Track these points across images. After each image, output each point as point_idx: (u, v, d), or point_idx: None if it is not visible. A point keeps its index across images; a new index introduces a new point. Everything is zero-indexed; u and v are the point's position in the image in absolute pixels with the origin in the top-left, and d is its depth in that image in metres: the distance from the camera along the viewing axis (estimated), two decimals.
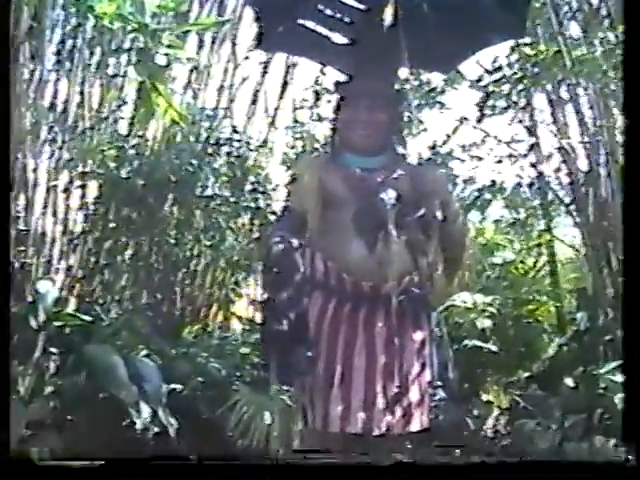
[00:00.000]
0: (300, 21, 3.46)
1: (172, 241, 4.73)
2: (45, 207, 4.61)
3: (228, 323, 4.97)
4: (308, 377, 3.24)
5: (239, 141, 4.79)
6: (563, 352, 4.21)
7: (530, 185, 4.76)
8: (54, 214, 4.61)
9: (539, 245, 4.78)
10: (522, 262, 4.69)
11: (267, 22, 3.41)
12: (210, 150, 4.63)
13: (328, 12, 3.45)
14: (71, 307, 4.35)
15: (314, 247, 3.28)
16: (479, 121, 4.51)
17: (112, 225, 4.68)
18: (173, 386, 3.84)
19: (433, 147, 4.90)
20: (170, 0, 4.17)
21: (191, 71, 5.01)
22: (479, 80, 4.46)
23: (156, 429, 3.70)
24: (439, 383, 3.33)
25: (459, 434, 3.74)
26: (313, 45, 3.49)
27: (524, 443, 3.50)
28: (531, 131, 4.63)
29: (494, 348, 4.20)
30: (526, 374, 4.19)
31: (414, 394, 3.26)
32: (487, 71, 4.58)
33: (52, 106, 4.70)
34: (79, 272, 4.53)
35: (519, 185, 4.79)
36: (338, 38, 3.46)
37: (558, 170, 4.58)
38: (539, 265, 4.71)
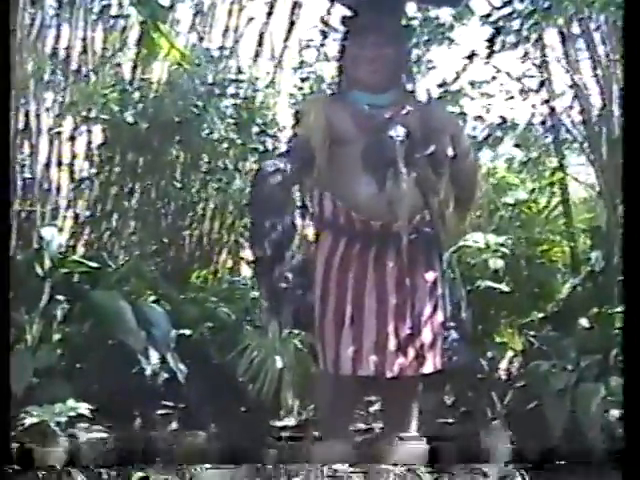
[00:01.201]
0: None
1: (178, 185, 4.66)
2: (50, 154, 4.56)
3: (237, 267, 4.91)
4: (318, 319, 3.20)
5: (245, 82, 4.70)
6: (577, 292, 4.13)
7: (542, 123, 4.65)
8: (59, 160, 4.56)
9: (552, 184, 4.68)
10: (535, 202, 4.58)
11: None
12: (216, 91, 4.53)
13: None
14: (78, 254, 4.32)
15: (322, 186, 3.23)
16: (489, 57, 4.38)
17: (117, 170, 4.62)
18: (182, 331, 3.79)
19: (442, 84, 4.79)
20: None
21: (195, 13, 4.92)
22: (489, 15, 4.32)
23: (166, 375, 3.68)
24: (452, 324, 3.29)
25: (472, 376, 3.69)
26: None
27: (539, 384, 3.45)
28: (542, 67, 4.51)
29: (507, 289, 4.12)
30: (540, 315, 4.11)
31: (426, 335, 3.23)
32: (496, 7, 4.44)
33: (54, 51, 4.63)
34: (85, 218, 4.48)
35: (531, 123, 4.68)
36: None
37: (571, 107, 4.47)
38: (552, 204, 4.61)
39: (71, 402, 3.18)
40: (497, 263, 4.17)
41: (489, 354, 3.81)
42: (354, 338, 3.16)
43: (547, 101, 4.55)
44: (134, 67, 4.62)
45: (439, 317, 3.26)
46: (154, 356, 3.63)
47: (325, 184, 3.21)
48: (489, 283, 4.16)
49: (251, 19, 5.00)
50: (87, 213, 4.57)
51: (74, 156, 4.73)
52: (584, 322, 3.84)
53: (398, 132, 3.17)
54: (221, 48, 4.78)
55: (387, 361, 3.16)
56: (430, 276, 3.28)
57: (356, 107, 3.25)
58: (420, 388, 3.32)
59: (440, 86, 4.81)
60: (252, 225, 3.28)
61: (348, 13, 3.34)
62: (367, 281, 3.20)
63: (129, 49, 4.50)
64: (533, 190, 4.66)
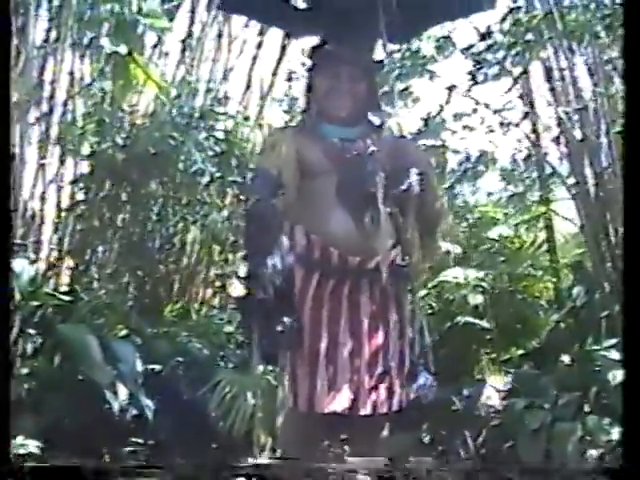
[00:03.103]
0: None
1: (155, 218, 4.59)
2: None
3: (213, 301, 4.83)
4: (291, 355, 3.12)
5: (225, 114, 4.65)
6: (559, 328, 4.07)
7: (526, 156, 4.61)
8: (33, 190, 4.49)
9: (535, 218, 4.63)
10: (518, 237, 4.53)
11: None
12: (195, 123, 4.47)
13: None
14: (50, 286, 4.23)
15: (294, 220, 3.16)
16: (471, 90, 4.35)
17: (95, 201, 4.55)
18: (151, 366, 3.71)
19: (426, 119, 4.75)
20: None
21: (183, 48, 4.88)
22: (470, 47, 4.29)
23: (135, 411, 3.59)
24: (422, 361, 3.21)
25: (446, 413, 3.60)
26: (275, 10, 3.35)
27: (514, 423, 3.36)
28: (526, 100, 4.46)
29: (487, 325, 4.06)
30: (520, 351, 4.04)
31: (399, 372, 3.15)
32: (480, 37, 4.41)
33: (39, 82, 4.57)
34: (58, 250, 4.40)
35: (514, 156, 4.63)
36: (300, 3, 3.32)
37: (555, 140, 4.42)
38: (535, 239, 4.56)
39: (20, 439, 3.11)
40: (477, 298, 4.11)
41: (465, 392, 3.71)
42: (327, 375, 3.08)
43: (530, 135, 4.50)
44: (112, 98, 4.55)
45: (411, 354, 3.18)
46: (122, 392, 3.55)
47: (296, 217, 3.14)
48: (469, 319, 4.10)
49: (236, 53, 4.96)
50: (64, 245, 4.48)
51: (59, 188, 4.66)
52: (565, 359, 3.76)
53: (376, 167, 3.11)
54: (204, 80, 4.73)
55: (360, 398, 3.08)
56: (402, 312, 3.20)
57: (326, 140, 3.20)
58: (392, 426, 3.23)
59: (424, 120, 4.79)
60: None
61: (316, 44, 3.30)
62: (341, 318, 3.13)
63: (106, 80, 4.43)
64: (516, 224, 4.60)
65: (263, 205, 3.04)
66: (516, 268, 4.48)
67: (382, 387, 3.11)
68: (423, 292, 4.13)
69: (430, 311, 4.14)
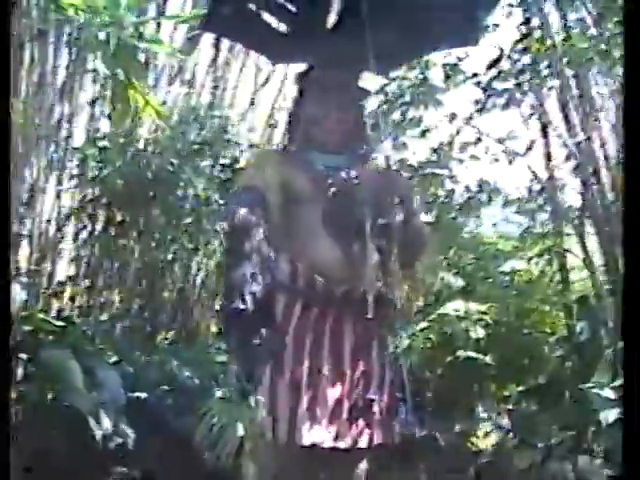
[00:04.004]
0: (250, 6, 3.25)
1: (153, 244, 4.54)
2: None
3: (207, 330, 4.76)
4: (271, 384, 3.04)
5: (228, 142, 4.59)
6: (561, 365, 3.94)
7: (535, 188, 4.49)
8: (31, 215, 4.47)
9: (546, 251, 4.50)
10: (527, 270, 4.41)
11: (217, 3, 3.19)
12: (197, 150, 4.43)
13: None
14: (43, 312, 4.19)
15: (277, 246, 3.07)
16: (476, 119, 4.26)
17: (93, 228, 4.52)
18: (137, 394, 3.64)
19: (435, 149, 4.67)
20: None
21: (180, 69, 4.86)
22: (476, 75, 4.21)
23: (119, 440, 3.52)
24: (405, 396, 3.11)
25: (431, 449, 3.49)
26: (260, 34, 3.29)
27: (504, 461, 3.24)
28: (535, 130, 4.37)
29: (488, 360, 3.94)
30: (520, 388, 3.92)
31: (381, 406, 3.05)
32: (488, 65, 4.33)
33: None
34: (54, 276, 4.37)
35: (522, 187, 4.52)
36: (283, 28, 3.26)
37: (565, 171, 4.32)
38: (541, 273, 4.43)
39: None
40: (478, 332, 4.00)
41: (457, 427, 3.59)
42: (308, 407, 2.99)
43: (539, 166, 4.40)
44: (111, 123, 4.53)
45: (393, 388, 3.09)
46: (105, 420, 3.48)
47: (280, 244, 3.06)
48: (469, 353, 3.99)
49: (242, 81, 4.93)
50: (61, 270, 4.45)
51: (59, 213, 4.64)
52: (565, 396, 3.64)
53: (364, 197, 3.03)
54: (205, 107, 4.69)
55: (341, 432, 2.98)
56: (385, 345, 3.11)
57: (311, 167, 3.13)
58: (375, 462, 3.12)
59: (433, 150, 4.71)
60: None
61: (303, 70, 3.24)
62: (324, 347, 3.05)
63: (105, 105, 4.41)
64: (523, 257, 4.48)
65: (244, 216, 2.95)
66: (524, 302, 4.36)
67: (362, 420, 3.02)
68: (423, 325, 4.03)
69: (429, 345, 4.02)
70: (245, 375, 3.01)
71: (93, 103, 4.42)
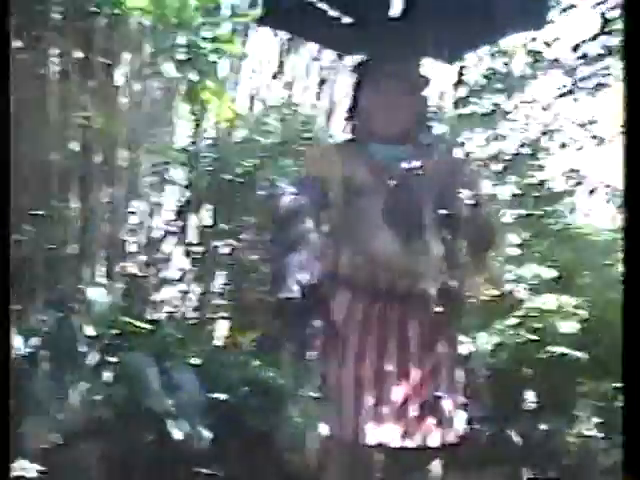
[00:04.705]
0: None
1: (239, 245, 4.54)
2: None
3: None
4: (335, 382, 2.98)
5: (309, 139, 4.55)
6: None
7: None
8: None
9: None
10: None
11: None
12: (278, 149, 4.40)
13: None
14: (127, 314, 4.23)
15: (338, 240, 3.02)
16: (563, 105, 4.12)
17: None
18: (216, 395, 3.63)
19: (525, 143, 4.53)
20: None
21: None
22: (559, 60, 4.06)
23: (196, 442, 3.52)
24: (476, 393, 3.01)
25: (501, 448, 3.35)
26: (320, 26, 3.23)
27: (589, 461, 3.08)
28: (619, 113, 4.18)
29: (580, 355, 3.78)
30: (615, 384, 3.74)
31: (450, 403, 2.95)
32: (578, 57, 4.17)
33: None
34: (137, 278, 4.40)
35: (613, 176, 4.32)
36: (347, 19, 3.19)
37: None
38: None
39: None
40: (569, 327, 3.85)
41: (543, 426, 3.44)
42: (373, 405, 2.92)
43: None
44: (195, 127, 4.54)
45: (461, 385, 2.99)
46: (182, 421, 3.48)
47: (341, 237, 3.01)
48: (561, 349, 3.84)
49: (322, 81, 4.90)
50: (139, 273, 4.48)
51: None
52: None
53: (425, 188, 2.95)
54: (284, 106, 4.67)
55: (408, 430, 2.90)
56: (454, 340, 3.02)
57: (372, 158, 3.05)
58: (444, 461, 3.03)
59: (523, 145, 4.57)
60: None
61: (361, 60, 3.17)
62: (389, 344, 2.97)
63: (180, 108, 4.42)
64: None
65: (293, 203, 2.90)
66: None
67: (430, 419, 2.93)
68: (513, 321, 3.91)
69: (519, 340, 3.89)
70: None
71: (169, 108, 4.43)
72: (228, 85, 4.52)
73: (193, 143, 4.48)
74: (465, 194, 2.94)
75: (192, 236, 4.58)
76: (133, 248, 4.49)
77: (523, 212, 4.39)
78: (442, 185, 2.97)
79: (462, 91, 4.29)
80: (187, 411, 3.47)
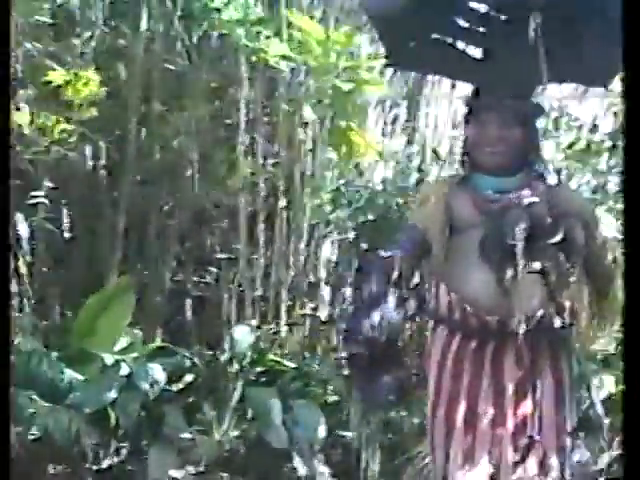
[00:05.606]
0: (434, 35, 3.17)
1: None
2: None
3: None
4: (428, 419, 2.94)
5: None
6: None
7: None
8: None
9: None
10: None
11: (399, 37, 3.15)
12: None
13: (463, 24, 3.15)
14: (273, 353, 4.33)
15: (438, 277, 2.98)
16: None
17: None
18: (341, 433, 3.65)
19: None
20: (343, 34, 4.14)
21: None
22: None
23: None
24: (581, 432, 2.86)
25: None
26: (447, 60, 3.19)
27: None
28: None
29: None
30: None
31: (550, 444, 2.82)
32: None
33: None
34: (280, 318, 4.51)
35: None
36: (473, 51, 3.14)
37: None
38: None
39: None
40: None
41: None
42: (465, 445, 2.85)
43: None
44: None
45: (564, 424, 2.85)
46: (305, 457, 3.53)
47: (441, 274, 2.96)
48: None
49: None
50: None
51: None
52: None
53: (518, 218, 2.86)
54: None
55: (503, 474, 2.80)
56: (555, 377, 2.89)
57: (479, 192, 2.99)
58: None
59: None
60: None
61: (472, 92, 3.11)
62: (483, 381, 2.89)
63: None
64: None
65: (377, 258, 2.90)
66: None
67: (530, 461, 2.81)
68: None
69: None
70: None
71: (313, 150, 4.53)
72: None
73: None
74: (570, 223, 2.84)
75: None
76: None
77: None
78: (546, 215, 2.86)
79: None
80: (303, 447, 3.51)
